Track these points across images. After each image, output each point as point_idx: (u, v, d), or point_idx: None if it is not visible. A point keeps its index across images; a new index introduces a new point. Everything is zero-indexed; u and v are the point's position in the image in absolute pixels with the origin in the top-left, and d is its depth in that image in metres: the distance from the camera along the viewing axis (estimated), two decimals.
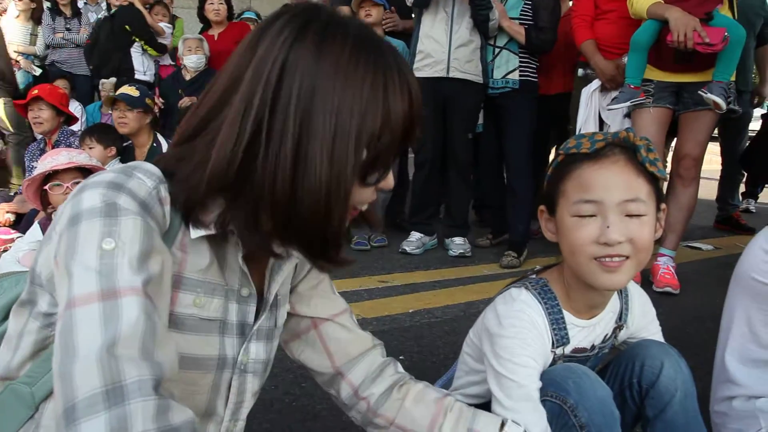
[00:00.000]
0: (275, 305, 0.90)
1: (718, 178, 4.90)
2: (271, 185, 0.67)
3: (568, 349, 1.12)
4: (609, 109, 2.88)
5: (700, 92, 2.69)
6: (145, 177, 0.69)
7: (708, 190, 4.35)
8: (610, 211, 1.00)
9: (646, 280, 3.04)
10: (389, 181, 0.76)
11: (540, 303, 1.10)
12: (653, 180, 1.03)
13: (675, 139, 3.10)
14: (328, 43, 0.68)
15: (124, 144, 3.48)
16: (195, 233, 0.72)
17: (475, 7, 3.21)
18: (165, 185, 0.70)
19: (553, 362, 1.11)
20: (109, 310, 0.59)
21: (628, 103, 2.81)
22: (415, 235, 3.56)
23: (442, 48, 3.32)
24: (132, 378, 0.57)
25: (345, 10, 3.50)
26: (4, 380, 0.73)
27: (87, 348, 0.57)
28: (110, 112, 3.65)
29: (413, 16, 3.86)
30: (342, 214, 0.70)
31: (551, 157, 1.16)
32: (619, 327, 1.19)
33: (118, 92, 3.56)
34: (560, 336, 1.10)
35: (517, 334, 1.06)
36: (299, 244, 0.73)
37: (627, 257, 1.01)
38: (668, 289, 2.87)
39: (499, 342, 1.06)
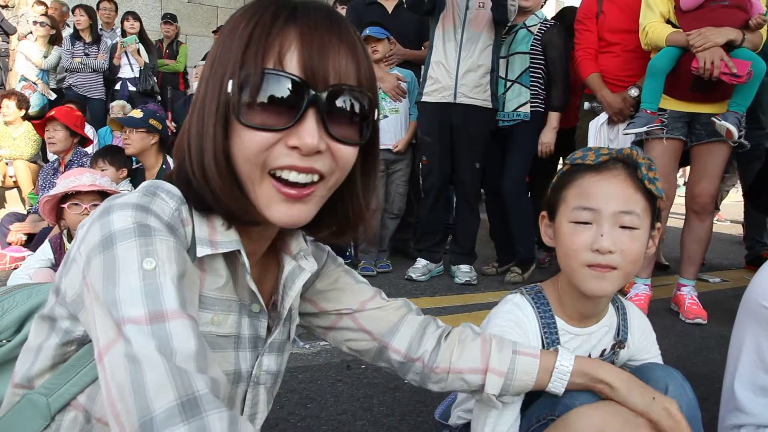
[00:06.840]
0: (289, 319, 0.91)
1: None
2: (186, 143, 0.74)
3: None
4: (625, 133, 2.88)
5: (713, 119, 2.66)
6: (168, 197, 0.71)
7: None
8: (605, 220, 1.05)
9: (670, 310, 3.03)
10: (303, 133, 0.68)
11: (532, 306, 1.16)
12: (650, 197, 1.08)
13: (683, 168, 3.06)
14: (239, 12, 0.73)
15: (135, 166, 3.52)
16: (201, 251, 0.73)
17: None
18: (186, 206, 0.73)
19: None
20: (160, 332, 0.60)
21: (644, 128, 2.79)
22: (420, 262, 3.57)
23: (450, 74, 3.37)
24: (204, 390, 0.59)
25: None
26: (22, 388, 0.74)
27: (152, 361, 0.58)
28: (119, 135, 3.68)
29: (423, 48, 3.92)
30: (216, 153, 0.69)
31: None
32: (618, 344, 1.20)
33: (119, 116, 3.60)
34: (551, 340, 1.14)
35: (498, 331, 1.11)
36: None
37: (615, 268, 1.05)
38: (699, 320, 2.84)
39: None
